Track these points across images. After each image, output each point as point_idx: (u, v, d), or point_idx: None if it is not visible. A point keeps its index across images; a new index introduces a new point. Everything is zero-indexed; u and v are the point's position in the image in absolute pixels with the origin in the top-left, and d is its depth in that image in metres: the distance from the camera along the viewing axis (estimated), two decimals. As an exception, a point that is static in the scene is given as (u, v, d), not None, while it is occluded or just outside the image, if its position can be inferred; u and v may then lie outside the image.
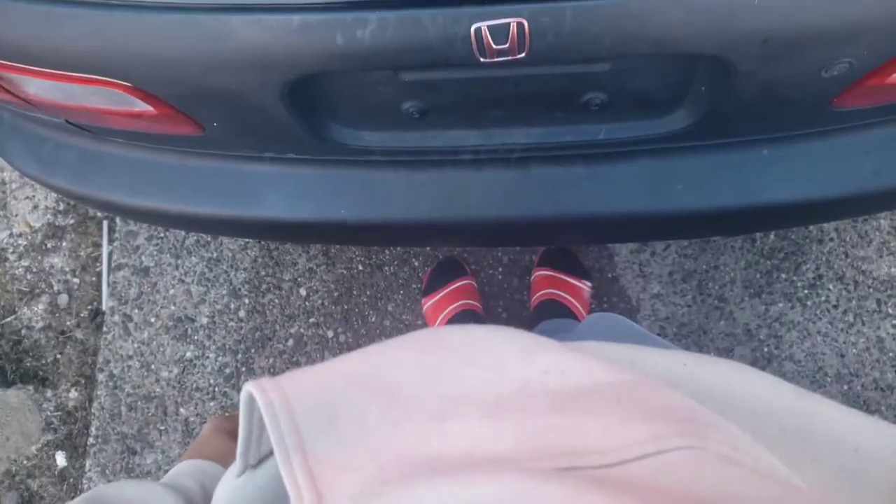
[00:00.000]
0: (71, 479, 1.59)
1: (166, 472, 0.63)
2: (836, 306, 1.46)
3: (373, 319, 1.57)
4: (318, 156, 0.94)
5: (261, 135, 0.88)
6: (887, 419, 1.39)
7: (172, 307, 1.61)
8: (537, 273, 1.48)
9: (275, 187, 0.97)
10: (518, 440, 0.28)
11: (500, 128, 0.87)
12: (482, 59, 0.66)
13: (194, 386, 1.58)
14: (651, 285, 1.51)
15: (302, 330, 1.58)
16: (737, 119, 0.81)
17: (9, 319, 1.67)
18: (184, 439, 1.57)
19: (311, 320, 1.58)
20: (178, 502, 0.53)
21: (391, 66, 0.74)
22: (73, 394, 1.63)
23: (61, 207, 1.72)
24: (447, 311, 1.45)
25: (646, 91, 0.80)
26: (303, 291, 1.59)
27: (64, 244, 1.70)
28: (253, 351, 1.58)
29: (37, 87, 0.83)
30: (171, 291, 1.62)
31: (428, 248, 1.57)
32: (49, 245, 1.69)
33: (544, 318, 1.39)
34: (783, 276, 1.49)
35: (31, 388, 1.63)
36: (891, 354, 1.43)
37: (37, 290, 1.68)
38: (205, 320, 1.60)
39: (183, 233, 1.64)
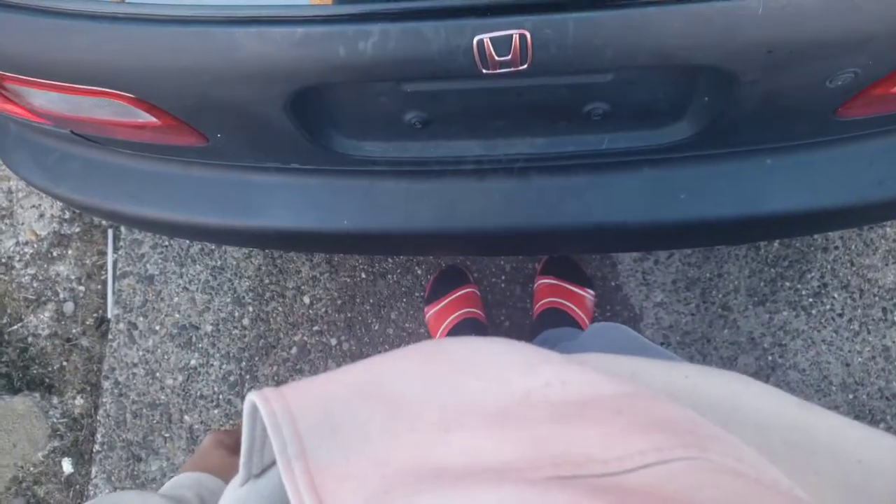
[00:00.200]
0: (77, 486, 1.59)
1: (170, 479, 0.63)
2: (841, 315, 1.46)
3: (376, 327, 1.57)
4: (321, 166, 0.94)
5: (264, 145, 0.89)
6: (893, 428, 1.39)
7: (177, 315, 1.62)
8: (540, 281, 1.48)
9: (278, 197, 0.97)
10: (520, 449, 0.28)
11: (503, 138, 0.87)
12: (485, 71, 0.67)
13: (199, 393, 1.58)
14: (654, 294, 1.50)
15: (305, 338, 1.58)
16: (740, 129, 0.81)
17: (15, 327, 1.68)
18: (188, 446, 1.57)
19: (315, 328, 1.58)
20: None
21: (393, 78, 0.74)
22: (79, 401, 1.63)
23: (67, 216, 1.73)
24: (450, 319, 1.44)
25: (648, 101, 0.80)
26: (306, 299, 1.59)
27: (70, 252, 1.71)
28: (257, 359, 1.58)
29: (42, 98, 0.84)
30: (176, 299, 1.63)
31: (431, 257, 1.58)
32: (55, 253, 1.70)
33: (547, 326, 1.39)
34: (787, 284, 1.48)
35: (37, 395, 1.64)
36: (897, 363, 1.43)
37: (43, 298, 1.69)
38: (209, 328, 1.61)
39: (187, 241, 1.65)
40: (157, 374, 1.60)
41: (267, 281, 1.61)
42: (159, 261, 1.65)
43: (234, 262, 1.63)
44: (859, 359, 1.43)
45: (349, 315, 1.57)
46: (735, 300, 1.49)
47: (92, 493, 1.57)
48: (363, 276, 1.59)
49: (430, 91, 0.78)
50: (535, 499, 0.24)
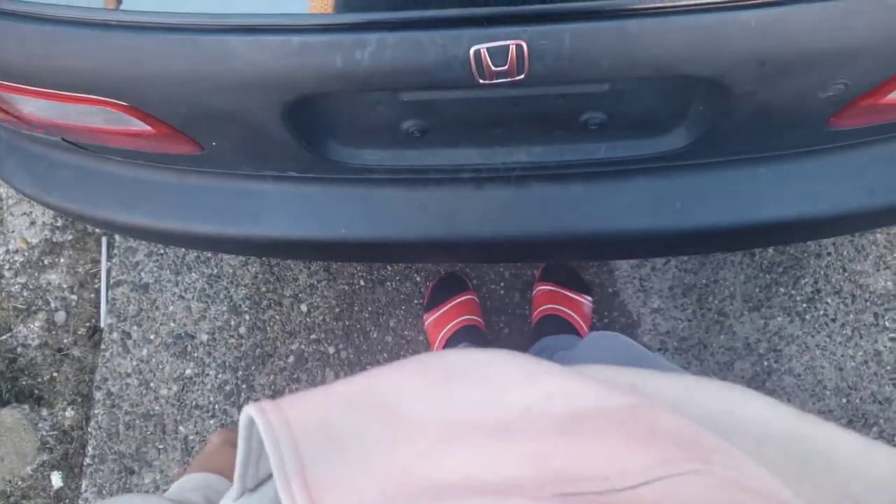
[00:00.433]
0: (67, 501, 1.58)
1: (164, 491, 0.61)
2: (834, 320, 1.47)
3: (374, 335, 1.56)
4: (319, 174, 0.94)
5: (261, 154, 0.88)
6: (885, 432, 1.39)
7: (172, 324, 1.61)
8: (539, 288, 1.48)
9: (275, 205, 0.97)
10: (521, 465, 0.28)
11: (501, 146, 0.87)
12: (481, 81, 0.67)
13: (194, 403, 1.57)
14: (651, 300, 1.51)
15: (303, 346, 1.57)
16: (735, 138, 0.82)
17: (4, 337, 1.67)
18: (183, 458, 1.56)
19: (312, 336, 1.57)
20: None
21: (390, 87, 0.75)
22: (70, 413, 1.62)
23: (59, 224, 1.71)
24: (449, 326, 1.44)
25: (644, 111, 0.81)
26: (304, 307, 1.59)
27: (61, 261, 1.70)
28: (253, 368, 1.57)
29: (33, 106, 0.83)
30: (171, 308, 1.62)
31: (430, 264, 1.58)
32: (46, 262, 1.69)
33: (546, 333, 1.39)
34: (782, 290, 1.49)
35: (26, 407, 1.62)
36: (888, 367, 1.43)
37: (33, 308, 1.67)
38: (205, 337, 1.60)
39: (183, 249, 1.64)
40: (152, 385, 1.59)
41: (264, 289, 1.60)
42: (154, 269, 1.64)
43: (231, 270, 1.62)
44: (852, 363, 1.44)
45: (347, 323, 1.57)
46: (731, 306, 1.49)
47: (83, 506, 1.55)
48: (361, 283, 1.58)
49: (427, 100, 0.79)
50: None
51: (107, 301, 1.65)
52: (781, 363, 1.46)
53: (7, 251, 1.70)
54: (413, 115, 0.81)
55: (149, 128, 0.82)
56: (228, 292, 1.61)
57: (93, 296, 1.67)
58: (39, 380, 1.63)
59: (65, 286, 1.68)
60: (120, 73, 0.73)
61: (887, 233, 1.49)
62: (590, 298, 1.47)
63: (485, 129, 0.84)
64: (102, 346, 1.62)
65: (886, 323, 1.45)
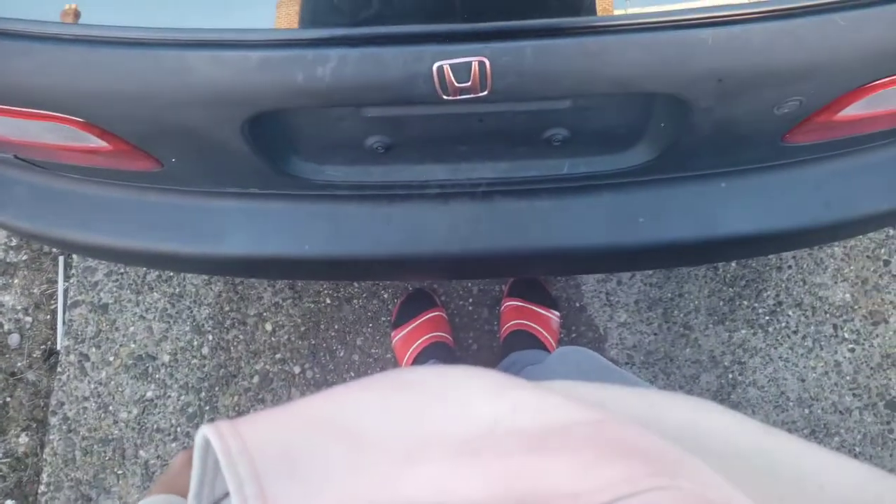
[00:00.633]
0: (21, 529, 1.51)
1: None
2: (795, 332, 1.50)
3: (341, 354, 1.54)
4: (281, 191, 0.93)
5: (222, 170, 0.87)
6: (846, 441, 1.42)
7: (132, 345, 1.57)
8: (507, 304, 1.48)
9: (237, 223, 0.95)
10: (488, 484, 0.27)
11: (466, 162, 0.87)
12: (445, 97, 0.67)
13: (155, 427, 1.53)
14: (618, 314, 1.52)
15: (268, 366, 1.54)
16: (695, 154, 0.83)
17: (-44, 361, 1.60)
18: (143, 483, 1.51)
19: (278, 356, 1.55)
20: None
21: (353, 103, 0.74)
22: (24, 439, 1.56)
23: (13, 243, 1.66)
24: (417, 343, 1.43)
25: (607, 127, 0.82)
26: (268, 326, 1.56)
27: (16, 281, 1.64)
28: (217, 389, 1.54)
29: (-15, 123, 0.81)
30: (132, 329, 1.57)
31: (397, 281, 1.57)
32: None
33: (514, 348, 1.39)
34: (745, 303, 1.52)
35: (-22, 433, 1.56)
36: (848, 378, 1.47)
37: (-13, 330, 1.61)
38: (166, 358, 1.56)
39: (144, 268, 1.60)
40: (111, 408, 1.54)
41: (227, 308, 1.57)
42: (114, 289, 1.59)
43: (194, 289, 1.59)
44: (813, 374, 1.47)
45: (313, 342, 1.55)
46: (696, 319, 1.51)
47: (39, 535, 1.49)
48: (328, 301, 1.57)
49: (391, 116, 0.78)
50: None
51: (63, 322, 1.59)
52: (746, 375, 1.48)
53: (-42, 272, 1.64)
54: (377, 131, 0.81)
55: (106, 144, 0.80)
56: (191, 312, 1.57)
57: (49, 317, 1.62)
58: (-9, 406, 1.57)
59: (19, 308, 1.62)
60: (75, 89, 0.71)
61: (844, 246, 1.54)
62: (557, 313, 1.48)
63: (449, 146, 0.84)
64: (59, 370, 1.56)
65: (845, 334, 1.49)
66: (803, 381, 1.47)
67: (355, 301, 1.56)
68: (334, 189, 0.91)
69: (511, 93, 0.67)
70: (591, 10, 0.66)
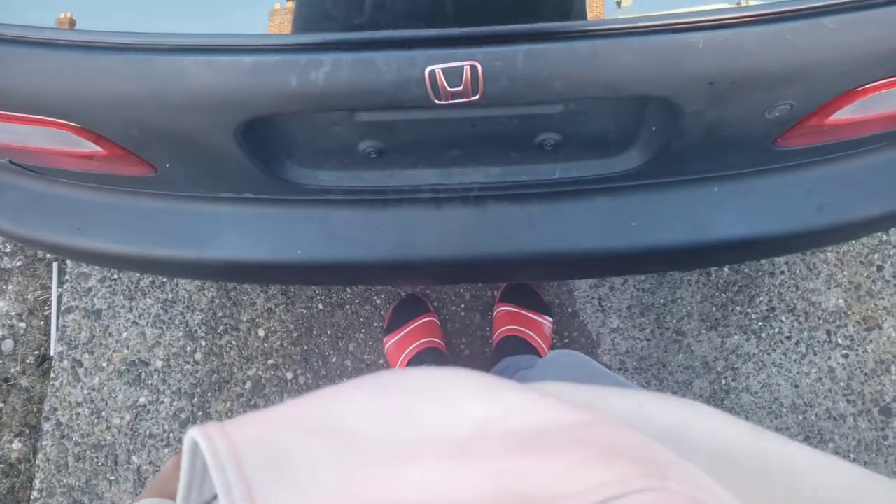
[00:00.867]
0: (12, 537, 1.50)
1: None
2: (788, 337, 1.50)
3: (333, 360, 1.54)
4: (275, 195, 0.93)
5: (215, 175, 0.87)
6: (840, 448, 1.42)
7: (125, 351, 1.56)
8: (499, 309, 1.48)
9: (230, 228, 0.95)
10: (477, 485, 0.27)
11: (459, 167, 0.88)
12: (437, 101, 0.67)
13: (148, 432, 1.52)
14: (610, 319, 1.52)
15: (260, 372, 1.54)
16: (687, 158, 0.84)
17: (-52, 367, 1.59)
18: (135, 489, 1.50)
19: (270, 362, 1.54)
20: None
21: (346, 108, 0.74)
22: (17, 445, 1.55)
23: (8, 249, 1.66)
24: (410, 349, 1.43)
25: (598, 132, 0.82)
26: (261, 332, 1.56)
27: (10, 287, 1.64)
28: (209, 395, 1.53)
29: (-22, 127, 0.81)
30: (125, 334, 1.57)
31: (389, 286, 1.56)
32: (-6, 288, 1.63)
33: (507, 354, 1.39)
34: (738, 308, 1.52)
35: (-30, 439, 1.55)
36: (842, 384, 1.47)
37: (-21, 336, 1.60)
38: (159, 364, 1.55)
39: (137, 274, 1.60)
40: (103, 414, 1.53)
41: (220, 314, 1.57)
42: (107, 294, 1.59)
43: (187, 295, 1.58)
44: (807, 380, 1.47)
45: (306, 348, 1.54)
46: (688, 325, 1.52)
47: (30, 542, 1.48)
48: (320, 306, 1.56)
49: (384, 121, 0.79)
50: None
51: (57, 328, 1.59)
52: (739, 381, 1.48)
53: (-50, 278, 1.63)
54: (370, 136, 0.81)
55: (100, 149, 0.80)
56: (184, 317, 1.57)
57: (42, 323, 1.61)
58: (-17, 412, 1.56)
59: (13, 314, 1.62)
60: (70, 94, 0.72)
61: (837, 251, 1.54)
62: (550, 319, 1.48)
63: (442, 150, 0.85)
64: (52, 375, 1.55)
65: (839, 340, 1.49)
66: (797, 386, 1.47)
67: (348, 306, 1.56)
68: (327, 194, 0.91)
69: (502, 97, 0.68)
70: (582, 15, 0.66)
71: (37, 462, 1.51)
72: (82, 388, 1.54)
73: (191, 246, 0.97)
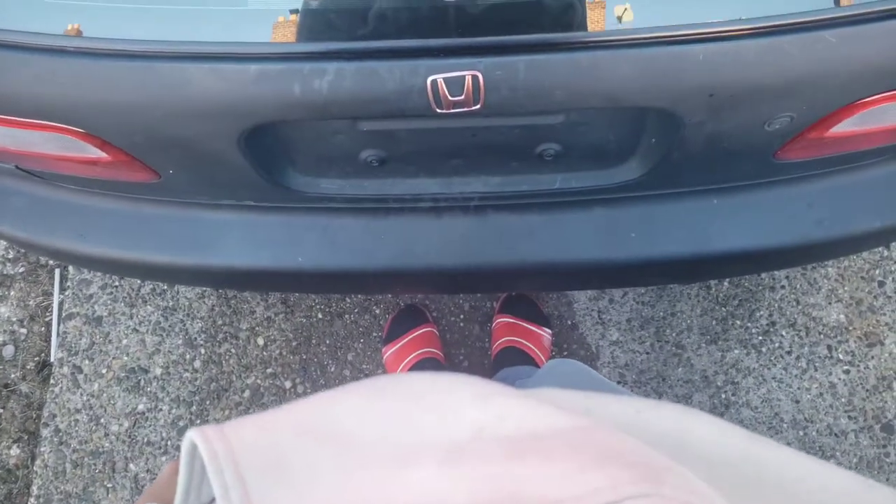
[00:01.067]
0: (7, 544, 1.49)
1: None
2: (789, 352, 1.50)
3: (332, 369, 1.54)
4: (277, 203, 0.93)
5: (218, 182, 0.88)
6: (841, 464, 1.41)
7: (125, 358, 1.56)
8: (498, 320, 1.48)
9: (232, 234, 0.96)
10: (474, 489, 0.27)
11: (459, 176, 0.88)
12: (438, 111, 0.68)
13: (146, 440, 1.51)
14: (610, 332, 1.52)
15: (259, 381, 1.54)
16: (686, 170, 0.84)
17: (-52, 372, 1.59)
18: (132, 497, 1.49)
19: (269, 370, 1.54)
20: None
21: (349, 116, 0.75)
22: (15, 451, 1.54)
23: (10, 255, 1.66)
24: (408, 359, 1.43)
25: (598, 143, 0.82)
26: (260, 341, 1.56)
27: (12, 293, 1.64)
28: (208, 403, 1.53)
29: (-15, 132, 0.81)
30: (125, 341, 1.57)
31: (389, 296, 1.56)
32: (-5, 294, 1.63)
33: (505, 365, 1.39)
34: (738, 322, 1.52)
35: (-32, 445, 1.55)
36: (843, 400, 1.46)
37: (-20, 342, 1.61)
38: (159, 371, 1.55)
39: (138, 281, 1.60)
40: (102, 421, 1.53)
41: (220, 322, 1.57)
42: (108, 301, 1.59)
43: (187, 303, 1.58)
44: (808, 396, 1.47)
45: (304, 357, 1.54)
46: (688, 339, 1.51)
47: (25, 549, 1.47)
48: (320, 316, 1.56)
49: (386, 130, 0.79)
50: None
51: (58, 334, 1.59)
52: (739, 396, 1.47)
53: (-48, 283, 1.64)
54: (372, 145, 0.82)
55: (105, 155, 0.81)
56: (184, 325, 1.57)
57: (43, 329, 1.61)
58: (-18, 417, 1.56)
59: (14, 319, 1.62)
60: (76, 100, 0.72)
61: (838, 266, 1.54)
62: (549, 331, 1.48)
63: (443, 160, 0.85)
64: (52, 381, 1.55)
65: (840, 355, 1.49)
66: (797, 402, 1.47)
67: (347, 316, 1.56)
68: (329, 202, 0.91)
69: (503, 107, 0.68)
70: (583, 26, 0.67)
71: (35, 468, 1.51)
72: (81, 394, 1.54)
73: (192, 252, 0.97)
